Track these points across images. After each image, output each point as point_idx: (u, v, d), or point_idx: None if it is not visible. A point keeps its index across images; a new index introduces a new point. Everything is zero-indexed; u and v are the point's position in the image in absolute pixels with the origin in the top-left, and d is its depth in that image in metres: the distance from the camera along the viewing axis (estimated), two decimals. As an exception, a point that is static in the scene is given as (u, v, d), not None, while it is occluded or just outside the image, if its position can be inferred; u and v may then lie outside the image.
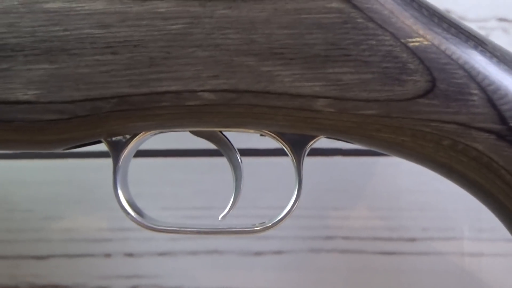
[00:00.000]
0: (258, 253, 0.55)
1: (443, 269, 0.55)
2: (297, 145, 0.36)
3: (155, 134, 0.36)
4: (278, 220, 0.37)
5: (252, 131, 0.36)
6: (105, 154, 0.56)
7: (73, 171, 0.57)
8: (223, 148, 0.38)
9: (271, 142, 0.50)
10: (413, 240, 0.55)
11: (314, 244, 0.55)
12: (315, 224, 0.55)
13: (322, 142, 0.53)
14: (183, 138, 0.55)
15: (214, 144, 0.37)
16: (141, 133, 0.36)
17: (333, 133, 0.35)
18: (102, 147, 0.55)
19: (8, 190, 0.57)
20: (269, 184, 0.54)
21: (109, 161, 0.56)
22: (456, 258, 0.55)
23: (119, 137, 0.36)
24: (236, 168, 0.38)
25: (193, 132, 0.37)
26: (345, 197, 0.55)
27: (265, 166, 0.54)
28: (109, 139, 0.37)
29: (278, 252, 0.55)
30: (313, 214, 0.55)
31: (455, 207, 0.54)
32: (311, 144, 0.36)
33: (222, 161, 0.55)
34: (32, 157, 0.57)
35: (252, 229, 0.38)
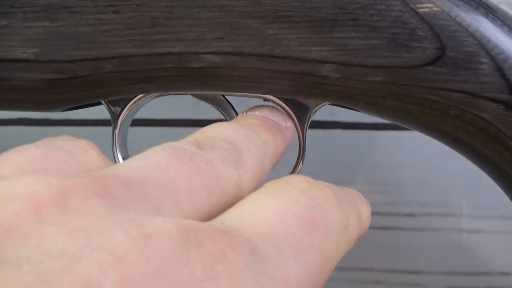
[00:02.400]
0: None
1: (441, 245, 0.54)
2: (301, 111, 0.36)
3: (156, 96, 0.36)
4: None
5: (255, 95, 0.35)
6: (103, 123, 0.56)
7: (69, 138, 0.56)
8: (226, 113, 0.37)
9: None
10: (411, 215, 0.54)
11: (311, 218, 0.55)
12: (313, 197, 0.55)
13: (322, 114, 0.52)
14: (181, 107, 0.55)
15: (216, 108, 0.37)
16: (142, 95, 0.35)
17: (338, 100, 0.34)
18: (100, 115, 0.55)
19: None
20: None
21: (106, 130, 0.55)
22: (454, 235, 0.54)
23: (118, 99, 0.36)
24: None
25: (195, 95, 0.36)
26: (344, 171, 0.55)
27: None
28: (108, 101, 0.36)
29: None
30: (311, 187, 0.55)
31: (454, 183, 0.54)
32: (316, 110, 0.36)
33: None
34: (29, 124, 0.57)
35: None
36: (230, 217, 0.22)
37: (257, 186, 0.27)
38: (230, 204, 0.24)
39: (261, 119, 0.32)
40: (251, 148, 0.27)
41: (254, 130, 0.29)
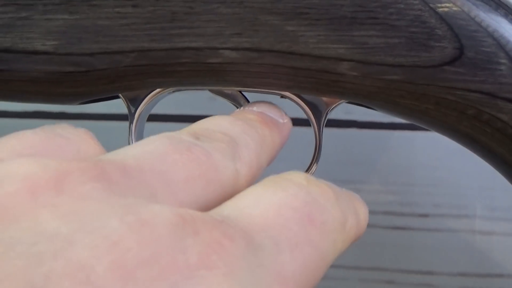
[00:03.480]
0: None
1: (454, 246, 0.54)
2: (317, 109, 0.36)
3: (173, 91, 0.36)
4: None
5: (272, 92, 0.35)
6: (119, 117, 0.56)
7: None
8: (242, 109, 0.37)
9: (286, 111, 0.50)
10: (425, 216, 0.54)
11: (324, 216, 0.55)
12: (327, 196, 0.55)
13: (337, 113, 0.52)
14: (196, 104, 0.55)
15: (233, 104, 0.37)
16: (159, 90, 0.35)
17: (355, 98, 0.34)
18: (116, 109, 0.55)
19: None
20: (283, 154, 0.53)
21: (122, 124, 0.55)
22: (467, 236, 0.54)
23: (136, 93, 0.36)
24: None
25: (212, 91, 0.36)
26: (358, 170, 0.55)
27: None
28: (126, 94, 0.36)
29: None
30: (325, 186, 0.55)
31: (468, 184, 0.54)
32: (333, 108, 0.36)
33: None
34: (45, 117, 0.57)
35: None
36: (227, 208, 0.21)
37: (253, 180, 0.26)
38: (226, 196, 0.24)
39: (259, 114, 0.32)
40: (248, 141, 0.27)
41: (251, 125, 0.29)
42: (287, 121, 0.33)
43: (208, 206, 0.23)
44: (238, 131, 0.27)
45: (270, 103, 0.34)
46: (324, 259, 0.22)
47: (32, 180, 0.18)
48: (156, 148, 0.23)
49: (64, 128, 0.25)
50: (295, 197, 0.22)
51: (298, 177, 0.23)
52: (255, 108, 0.33)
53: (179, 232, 0.18)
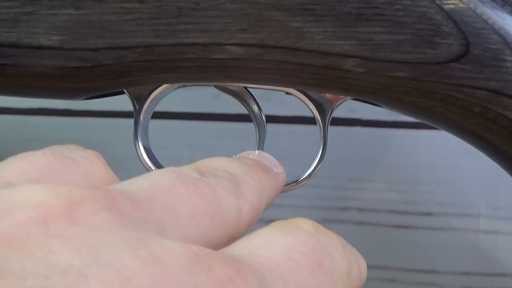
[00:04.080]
0: (272, 221, 0.55)
1: (458, 245, 0.54)
2: (322, 106, 0.36)
3: (179, 87, 0.36)
4: (302, 179, 0.36)
5: (278, 88, 0.35)
6: (123, 114, 0.56)
7: (89, 130, 0.57)
8: (248, 106, 0.37)
9: (291, 109, 0.50)
10: (428, 214, 0.54)
11: (328, 215, 0.55)
12: (331, 194, 0.55)
13: (342, 111, 0.52)
14: (201, 101, 0.55)
15: (239, 101, 0.37)
16: (164, 85, 0.35)
17: (361, 94, 0.34)
18: (120, 106, 0.55)
19: (23, 147, 0.56)
20: (287, 153, 0.53)
21: (126, 122, 0.56)
22: (471, 235, 0.54)
23: (141, 88, 0.36)
24: (260, 126, 0.37)
25: (217, 87, 0.36)
26: (362, 169, 0.55)
27: (284, 133, 0.54)
28: (131, 90, 0.36)
29: (292, 221, 0.55)
30: (329, 184, 0.55)
31: (472, 183, 0.54)
32: (338, 105, 0.36)
33: (240, 127, 0.55)
34: (49, 114, 0.57)
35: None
36: (237, 248, 0.21)
37: (253, 221, 0.27)
38: (229, 234, 0.24)
39: (256, 161, 0.32)
40: (249, 182, 0.27)
41: (251, 168, 0.29)
42: (281, 171, 0.33)
43: (211, 243, 0.23)
44: (239, 171, 0.27)
45: (264, 153, 0.34)
46: None
47: (45, 208, 0.18)
48: (164, 181, 0.23)
49: (72, 150, 0.25)
50: (304, 242, 0.22)
51: (306, 223, 0.23)
52: (251, 156, 0.33)
53: (192, 268, 0.18)
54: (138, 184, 0.22)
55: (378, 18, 0.33)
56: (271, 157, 0.33)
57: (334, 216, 0.55)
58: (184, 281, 0.17)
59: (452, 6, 0.32)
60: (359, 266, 0.24)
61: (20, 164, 0.23)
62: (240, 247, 0.21)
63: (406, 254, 0.55)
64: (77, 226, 0.18)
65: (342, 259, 0.23)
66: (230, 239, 0.24)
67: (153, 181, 0.22)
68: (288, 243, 0.22)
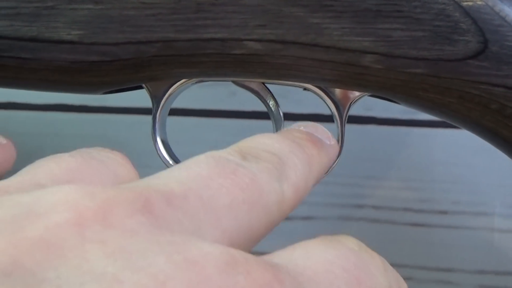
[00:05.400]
0: (287, 218, 0.55)
1: (473, 243, 0.54)
2: (340, 102, 0.36)
3: (197, 82, 0.36)
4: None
5: (296, 84, 0.35)
6: (140, 111, 0.56)
7: (107, 126, 0.57)
8: (265, 101, 0.37)
9: (308, 107, 0.50)
10: (443, 213, 0.54)
11: (343, 212, 0.55)
12: (346, 191, 0.55)
13: (357, 109, 0.52)
14: (217, 98, 0.55)
15: (257, 97, 0.37)
16: (183, 80, 0.36)
17: (378, 91, 0.35)
18: (138, 103, 0.56)
19: (40, 142, 0.57)
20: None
21: (143, 118, 0.56)
22: (486, 234, 0.54)
23: (160, 83, 0.36)
24: (277, 122, 0.37)
25: (235, 83, 0.36)
26: (378, 166, 0.55)
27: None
28: (150, 85, 0.36)
29: (307, 218, 0.55)
30: (344, 181, 0.55)
31: (488, 182, 0.54)
32: (355, 101, 0.36)
33: (256, 124, 0.55)
34: (66, 110, 0.57)
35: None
36: (277, 257, 0.21)
37: (298, 202, 0.26)
38: (270, 220, 0.24)
39: (307, 134, 0.31)
40: (296, 162, 0.27)
41: (299, 144, 0.29)
42: (334, 143, 0.33)
43: (250, 231, 0.23)
44: (286, 150, 0.27)
45: (317, 124, 0.34)
46: None
47: (80, 211, 0.18)
48: (201, 171, 0.22)
49: (99, 151, 0.25)
50: (346, 258, 0.22)
51: (350, 241, 0.23)
52: (302, 128, 0.32)
53: (230, 271, 0.18)
54: (174, 176, 0.22)
55: (396, 14, 0.33)
56: (323, 127, 0.32)
57: (350, 213, 0.55)
58: (220, 284, 0.17)
59: (470, 3, 0.33)
60: None
61: (50, 166, 0.23)
62: (280, 256, 0.21)
63: (421, 252, 0.55)
64: (112, 229, 0.18)
65: (383, 279, 0.22)
66: (272, 224, 0.24)
67: (190, 172, 0.22)
68: (329, 256, 0.21)
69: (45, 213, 0.18)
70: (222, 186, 0.22)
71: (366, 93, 0.35)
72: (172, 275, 0.17)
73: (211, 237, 0.21)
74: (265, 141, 0.27)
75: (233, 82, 0.36)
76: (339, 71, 0.34)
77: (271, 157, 0.26)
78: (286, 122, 0.37)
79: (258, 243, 0.23)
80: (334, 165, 0.35)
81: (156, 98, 0.36)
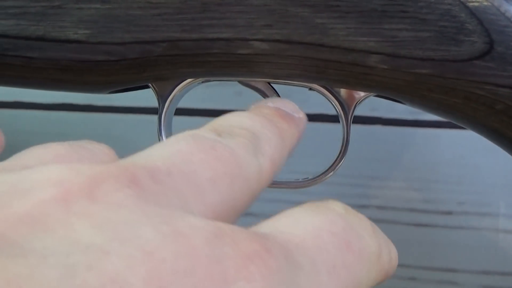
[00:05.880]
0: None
1: (477, 244, 0.54)
2: (345, 102, 0.36)
3: (203, 82, 0.36)
4: (322, 174, 0.36)
5: (301, 84, 0.35)
6: (145, 110, 0.56)
7: (112, 125, 0.57)
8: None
9: (312, 107, 0.50)
10: (448, 213, 0.54)
11: (348, 212, 0.55)
12: (351, 192, 0.55)
13: (363, 110, 0.52)
14: (223, 98, 0.55)
15: (262, 96, 0.37)
16: (189, 80, 0.36)
17: (384, 91, 0.35)
18: (143, 103, 0.56)
19: (46, 142, 0.57)
20: (308, 150, 0.53)
21: (148, 117, 0.56)
22: (490, 234, 0.54)
23: (165, 83, 0.36)
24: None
25: (241, 83, 0.36)
26: (383, 167, 0.55)
27: (305, 131, 0.54)
28: (156, 84, 0.36)
29: (312, 218, 0.55)
30: (349, 182, 0.55)
31: (492, 182, 0.54)
32: (361, 101, 0.36)
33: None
34: (72, 109, 0.57)
35: (296, 182, 0.37)
36: (264, 227, 0.21)
37: (274, 175, 0.26)
38: (251, 192, 0.24)
39: (275, 109, 0.32)
40: (269, 136, 0.27)
41: (270, 119, 0.29)
42: (302, 116, 0.33)
43: (233, 204, 0.23)
44: (258, 126, 0.27)
45: (284, 99, 0.34)
46: (357, 286, 0.22)
47: (65, 186, 0.18)
48: (182, 148, 0.22)
49: (88, 142, 0.25)
50: (334, 222, 0.22)
51: (337, 205, 0.23)
52: (270, 104, 0.32)
53: (217, 242, 0.18)
54: (156, 153, 0.22)
55: (402, 15, 0.33)
56: (290, 102, 0.32)
57: (354, 213, 0.55)
58: (207, 256, 0.17)
59: (476, 4, 0.33)
60: (390, 252, 0.24)
61: (38, 152, 0.23)
62: (267, 226, 0.21)
63: (425, 252, 0.55)
64: (98, 203, 0.18)
65: (372, 241, 0.23)
66: (253, 196, 0.24)
67: (171, 149, 0.22)
68: (317, 222, 0.21)
69: (31, 189, 0.18)
70: (204, 161, 0.22)
71: (371, 93, 0.35)
72: (160, 246, 0.17)
73: (197, 211, 0.21)
74: (236, 119, 0.27)
75: (239, 81, 0.36)
76: (345, 71, 0.34)
77: (245, 133, 0.26)
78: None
79: (240, 215, 0.24)
80: (339, 165, 0.35)
81: (162, 98, 0.36)
